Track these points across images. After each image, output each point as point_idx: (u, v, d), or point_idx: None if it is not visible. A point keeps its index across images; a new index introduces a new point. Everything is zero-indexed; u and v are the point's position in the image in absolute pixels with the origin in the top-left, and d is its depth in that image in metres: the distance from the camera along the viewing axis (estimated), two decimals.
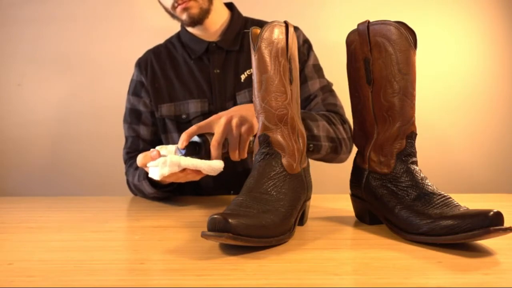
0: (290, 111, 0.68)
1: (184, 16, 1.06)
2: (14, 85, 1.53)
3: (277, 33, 0.68)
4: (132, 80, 1.18)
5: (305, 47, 1.12)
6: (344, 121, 1.03)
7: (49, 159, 1.53)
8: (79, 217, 0.83)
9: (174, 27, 1.20)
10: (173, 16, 1.10)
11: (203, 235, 0.56)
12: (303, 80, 1.06)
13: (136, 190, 1.07)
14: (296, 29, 1.11)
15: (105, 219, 0.82)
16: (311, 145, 0.92)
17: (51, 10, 1.51)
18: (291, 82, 0.70)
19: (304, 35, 1.14)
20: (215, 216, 0.56)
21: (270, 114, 0.67)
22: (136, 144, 1.14)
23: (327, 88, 1.08)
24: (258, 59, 0.67)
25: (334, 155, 0.98)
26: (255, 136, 0.76)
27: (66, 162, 1.53)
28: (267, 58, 0.67)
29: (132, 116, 1.15)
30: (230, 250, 0.60)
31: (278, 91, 0.67)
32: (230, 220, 0.55)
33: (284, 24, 0.69)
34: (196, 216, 0.83)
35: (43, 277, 0.51)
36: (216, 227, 0.55)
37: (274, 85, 0.67)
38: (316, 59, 1.13)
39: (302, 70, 1.07)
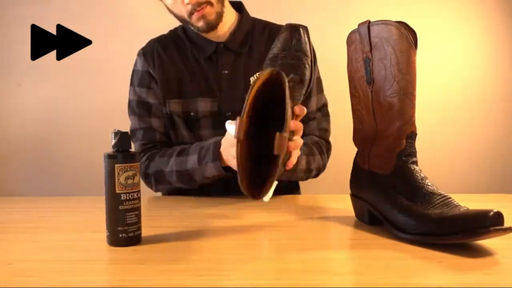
0: None
1: (200, 23, 1.03)
2: (14, 85, 1.53)
3: None
4: (136, 71, 1.12)
5: (314, 55, 1.13)
6: (329, 148, 1.13)
7: (50, 158, 1.53)
8: (79, 217, 0.83)
9: (170, 27, 1.19)
10: (187, 23, 1.07)
11: None
12: (308, 95, 1.10)
13: (173, 179, 1.01)
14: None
15: (105, 219, 0.81)
16: (304, 176, 1.04)
17: (51, 11, 1.51)
18: None
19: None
20: None
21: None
22: (152, 135, 1.09)
23: (323, 110, 1.13)
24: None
25: (313, 177, 1.10)
26: None
27: (66, 161, 1.53)
28: None
29: (141, 108, 1.09)
30: (230, 250, 0.60)
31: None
32: None
33: None
34: (196, 216, 0.83)
35: (42, 277, 0.51)
36: None
37: None
38: (318, 70, 1.15)
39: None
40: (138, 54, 1.13)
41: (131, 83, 1.12)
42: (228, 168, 0.94)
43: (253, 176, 0.64)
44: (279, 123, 0.62)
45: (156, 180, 1.05)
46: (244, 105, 0.62)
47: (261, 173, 0.64)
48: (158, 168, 1.03)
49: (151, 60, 1.10)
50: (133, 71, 1.13)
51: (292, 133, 0.75)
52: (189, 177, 1.00)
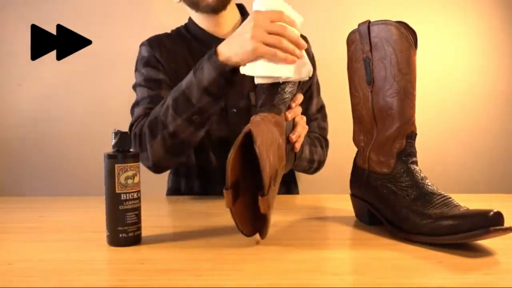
0: None
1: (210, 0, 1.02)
2: (14, 85, 1.53)
3: None
4: (141, 58, 1.09)
5: (313, 62, 1.13)
6: (327, 144, 1.17)
7: (49, 158, 1.53)
8: (79, 217, 0.83)
9: (172, 27, 1.19)
10: (194, 4, 1.05)
11: None
12: (310, 96, 1.14)
13: (168, 117, 0.90)
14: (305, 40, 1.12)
15: (105, 219, 0.81)
16: (307, 166, 1.05)
17: (51, 11, 1.51)
18: None
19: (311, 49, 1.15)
20: None
21: None
22: (158, 102, 0.97)
23: (322, 111, 1.18)
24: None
25: (314, 172, 1.12)
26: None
27: (66, 161, 1.53)
28: None
29: (150, 83, 1.04)
30: (230, 250, 0.60)
31: None
32: None
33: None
34: (196, 216, 0.83)
35: (42, 277, 0.51)
36: None
37: None
38: (317, 74, 1.18)
39: (310, 86, 1.14)
40: (142, 44, 1.12)
41: (136, 69, 1.10)
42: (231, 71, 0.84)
43: (250, 219, 0.64)
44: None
45: (151, 131, 0.93)
46: (226, 176, 0.60)
47: (256, 215, 0.63)
48: (152, 117, 0.94)
49: (157, 48, 1.09)
50: (137, 59, 1.11)
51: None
52: (186, 101, 0.88)
